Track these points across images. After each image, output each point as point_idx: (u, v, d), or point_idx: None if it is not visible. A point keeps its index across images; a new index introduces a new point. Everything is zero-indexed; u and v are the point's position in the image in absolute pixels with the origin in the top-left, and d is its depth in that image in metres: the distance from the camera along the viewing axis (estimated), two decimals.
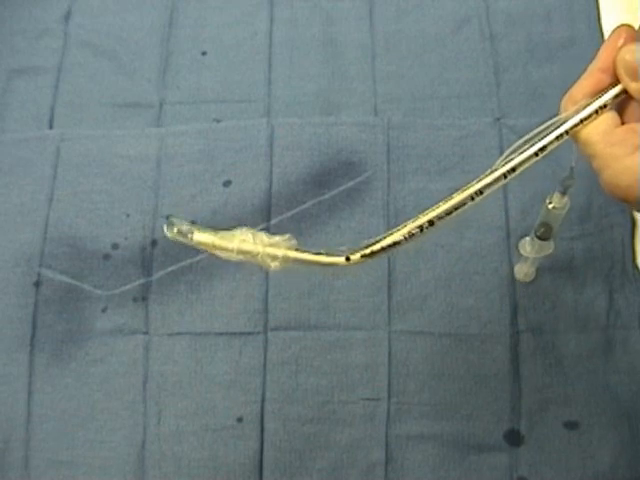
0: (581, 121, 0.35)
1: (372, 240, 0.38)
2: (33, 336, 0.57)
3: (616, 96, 0.35)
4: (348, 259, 0.37)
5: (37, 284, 0.58)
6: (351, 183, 0.60)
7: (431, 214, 0.37)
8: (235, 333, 0.56)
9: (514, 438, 0.53)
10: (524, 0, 0.67)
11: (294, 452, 0.54)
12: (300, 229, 0.59)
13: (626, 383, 0.54)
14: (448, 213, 0.37)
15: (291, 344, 0.56)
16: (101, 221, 0.60)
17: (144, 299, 0.58)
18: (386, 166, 0.60)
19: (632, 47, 0.33)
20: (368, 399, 0.54)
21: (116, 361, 0.56)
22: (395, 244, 0.37)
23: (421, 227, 0.37)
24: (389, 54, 0.66)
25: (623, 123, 0.36)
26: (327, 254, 0.38)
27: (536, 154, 0.36)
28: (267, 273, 0.57)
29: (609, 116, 0.35)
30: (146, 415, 0.55)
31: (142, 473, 0.54)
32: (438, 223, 0.37)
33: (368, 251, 0.37)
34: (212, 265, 0.58)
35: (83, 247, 0.59)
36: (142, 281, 0.58)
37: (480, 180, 0.37)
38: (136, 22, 0.68)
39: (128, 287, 0.58)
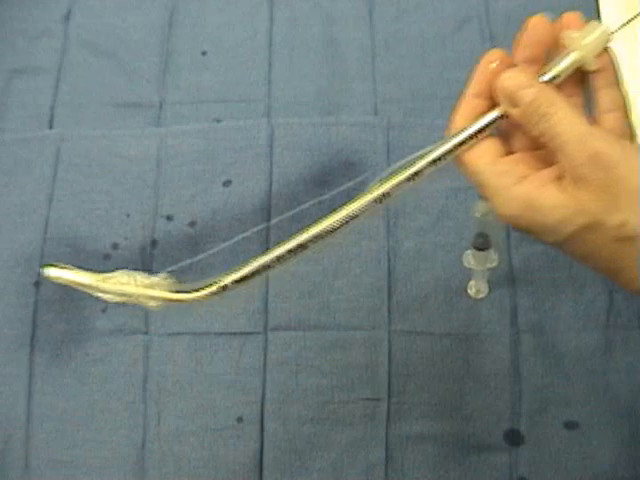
0: (458, 145, 0.34)
1: (244, 263, 0.36)
2: (33, 336, 0.57)
3: (494, 121, 0.34)
4: (225, 288, 0.36)
5: (37, 284, 0.58)
6: (351, 183, 0.60)
7: (304, 235, 0.35)
8: (235, 333, 0.56)
9: (514, 438, 0.53)
10: (524, 0, 0.67)
11: (294, 452, 0.54)
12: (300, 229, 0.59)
13: (626, 383, 0.54)
14: (320, 237, 0.35)
15: (291, 344, 0.56)
16: (101, 221, 0.60)
17: None
18: (386, 166, 0.60)
19: (510, 74, 0.33)
20: (368, 399, 0.54)
21: (116, 361, 0.56)
22: (266, 267, 0.36)
23: (292, 250, 0.36)
24: (389, 54, 0.66)
25: (511, 151, 0.35)
26: (200, 288, 0.37)
27: (411, 179, 0.35)
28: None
29: (493, 147, 0.34)
30: (146, 415, 0.55)
31: (142, 473, 0.54)
32: (311, 246, 0.35)
33: (238, 276, 0.36)
34: (212, 265, 0.58)
35: (83, 247, 0.59)
36: None
37: (352, 202, 0.35)
38: (136, 22, 0.68)
39: None
